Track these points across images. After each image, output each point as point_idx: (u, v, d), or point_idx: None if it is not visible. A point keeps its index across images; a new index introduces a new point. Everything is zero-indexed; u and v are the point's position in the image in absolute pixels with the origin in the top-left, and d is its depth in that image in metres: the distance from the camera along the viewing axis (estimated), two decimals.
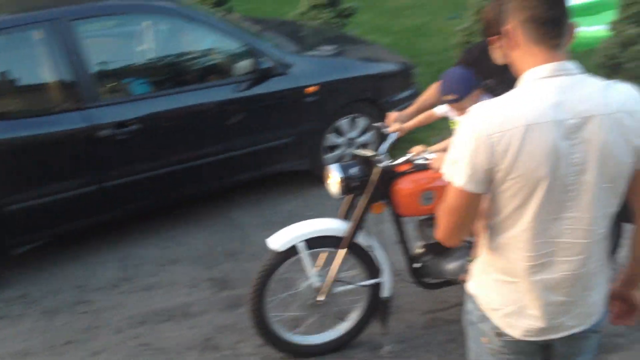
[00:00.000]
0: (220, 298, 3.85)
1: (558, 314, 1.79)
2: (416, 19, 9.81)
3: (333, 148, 5.10)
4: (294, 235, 3.11)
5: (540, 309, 1.78)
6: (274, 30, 5.53)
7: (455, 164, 1.73)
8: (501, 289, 1.83)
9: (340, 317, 3.41)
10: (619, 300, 1.96)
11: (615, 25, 7.01)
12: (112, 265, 4.21)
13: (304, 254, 3.10)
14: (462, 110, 3.06)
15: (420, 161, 3.02)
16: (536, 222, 1.69)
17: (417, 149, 3.06)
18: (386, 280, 3.26)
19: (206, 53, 4.80)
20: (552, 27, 1.68)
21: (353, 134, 5.11)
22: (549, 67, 1.67)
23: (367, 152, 3.19)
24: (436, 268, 3.34)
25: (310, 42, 5.66)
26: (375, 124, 3.53)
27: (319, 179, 5.07)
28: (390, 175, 3.11)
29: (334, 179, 3.14)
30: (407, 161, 3.09)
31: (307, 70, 4.84)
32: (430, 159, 2.98)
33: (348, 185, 3.10)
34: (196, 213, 4.79)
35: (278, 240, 3.11)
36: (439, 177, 3.02)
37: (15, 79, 4.20)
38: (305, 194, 5.04)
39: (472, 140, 1.67)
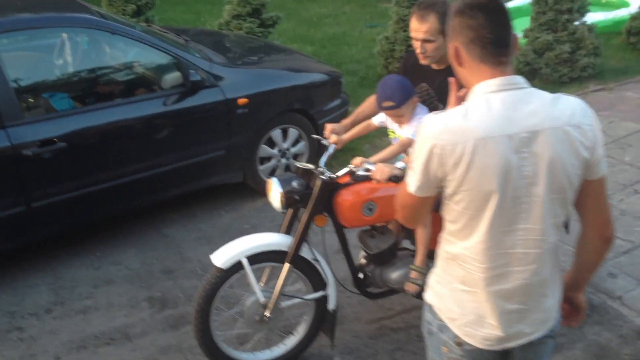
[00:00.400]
0: (162, 318, 3.76)
1: (515, 322, 1.85)
2: (336, 28, 9.95)
3: (266, 159, 5.08)
4: (237, 251, 3.08)
5: (498, 318, 1.84)
6: (198, 41, 5.46)
7: (411, 169, 1.79)
8: (460, 299, 1.88)
9: (288, 332, 3.39)
10: (565, 303, 2.05)
11: (529, 32, 7.35)
12: (43, 289, 4.03)
13: (249, 270, 3.07)
14: (399, 118, 3.14)
15: (362, 172, 3.04)
16: (490, 234, 1.75)
17: (357, 160, 3.08)
18: (331, 292, 3.27)
19: (132, 66, 4.70)
20: (497, 47, 1.74)
21: (285, 144, 5.11)
22: (497, 82, 1.73)
23: (308, 165, 3.20)
24: (380, 277, 3.38)
25: (237, 53, 5.62)
26: (315, 136, 3.54)
27: (253, 190, 5.06)
28: (332, 187, 3.12)
29: (275, 192, 3.12)
30: (348, 172, 3.11)
31: (237, 82, 4.80)
32: (371, 170, 3.00)
33: (290, 199, 3.09)
34: (127, 230, 4.66)
35: (222, 257, 3.07)
36: (380, 187, 3.08)
37: None
38: (239, 206, 5.01)
39: (425, 151, 1.72)
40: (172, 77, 4.51)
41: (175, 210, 4.92)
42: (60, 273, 4.19)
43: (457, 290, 1.87)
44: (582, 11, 7.18)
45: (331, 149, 3.33)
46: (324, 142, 3.37)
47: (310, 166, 3.18)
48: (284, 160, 5.14)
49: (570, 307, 2.08)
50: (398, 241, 3.41)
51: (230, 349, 3.28)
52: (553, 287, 1.88)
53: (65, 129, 4.09)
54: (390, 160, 3.10)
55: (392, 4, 7.62)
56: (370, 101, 3.43)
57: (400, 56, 7.16)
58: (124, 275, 4.16)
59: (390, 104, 3.06)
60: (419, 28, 2.94)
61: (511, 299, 1.82)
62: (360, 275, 3.40)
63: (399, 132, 3.20)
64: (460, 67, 1.80)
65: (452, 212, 1.79)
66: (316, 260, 3.21)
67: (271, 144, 5.06)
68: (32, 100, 4.20)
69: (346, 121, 3.43)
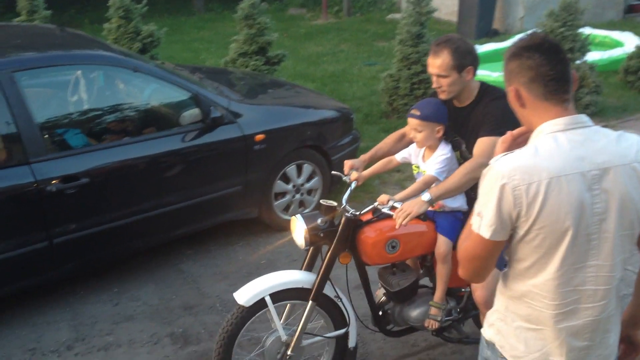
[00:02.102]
0: (185, 355, 3.74)
1: (581, 358, 1.87)
2: (335, 66, 10.09)
3: (280, 195, 5.11)
4: (261, 288, 3.08)
5: (565, 355, 1.85)
6: (210, 78, 5.53)
7: (480, 215, 1.80)
8: (525, 337, 1.88)
9: None
10: (622, 342, 2.06)
11: None
12: (62, 325, 4.00)
13: (272, 308, 3.07)
14: (422, 142, 3.14)
15: (386, 210, 3.03)
16: (562, 271, 1.77)
17: (383, 198, 3.07)
18: (352, 330, 3.26)
19: (153, 103, 4.75)
20: (559, 83, 1.80)
21: (300, 180, 5.15)
22: (564, 121, 1.78)
23: (332, 202, 3.17)
24: (399, 315, 3.36)
25: (251, 89, 5.69)
26: (334, 172, 3.56)
27: (265, 225, 5.08)
28: (355, 224, 3.12)
29: (299, 230, 3.12)
30: (371, 210, 3.10)
31: (254, 118, 4.86)
32: (397, 208, 2.98)
33: (314, 236, 3.09)
34: (143, 266, 4.65)
35: (245, 295, 3.07)
36: (402, 225, 3.04)
37: None
38: (253, 241, 5.02)
39: (497, 192, 1.74)
40: (191, 114, 4.55)
41: (189, 246, 4.92)
42: (78, 309, 4.16)
43: (522, 328, 1.88)
44: (583, 50, 7.37)
45: (352, 186, 3.32)
46: (345, 178, 3.36)
47: (334, 203, 3.15)
48: (298, 196, 5.18)
49: (627, 346, 2.10)
50: (418, 278, 3.41)
51: None
52: (615, 323, 1.91)
53: (87, 165, 4.11)
54: (413, 198, 3.09)
55: (393, 42, 7.77)
56: (391, 138, 3.47)
57: (404, 93, 7.28)
58: (144, 311, 4.14)
59: (416, 112, 3.09)
60: (433, 63, 3.04)
61: (579, 336, 1.84)
62: (380, 313, 3.39)
63: (423, 166, 3.23)
64: (522, 108, 1.85)
65: (521, 250, 1.81)
66: (338, 297, 3.21)
67: (286, 179, 5.10)
68: (55, 136, 4.22)
69: (365, 157, 3.44)
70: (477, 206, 1.81)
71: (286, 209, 5.17)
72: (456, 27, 11.97)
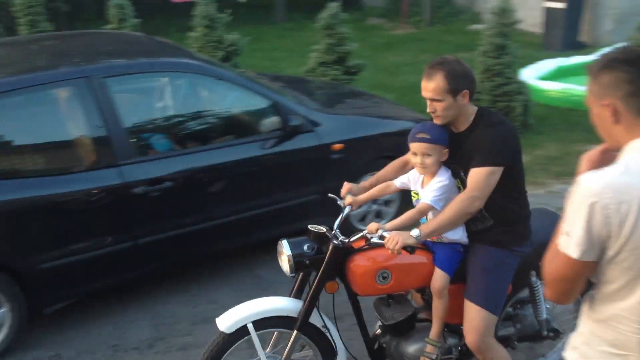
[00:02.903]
0: None
1: None
2: (414, 76, 9.99)
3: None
4: (243, 315, 2.98)
5: None
6: (290, 87, 5.61)
7: (568, 234, 1.74)
8: None
9: None
10: None
11: None
12: (144, 324, 4.14)
13: (254, 336, 2.97)
14: (431, 167, 2.96)
15: (375, 239, 2.87)
16: None
17: (372, 226, 2.90)
18: None
19: (234, 110, 4.86)
20: None
21: None
22: None
23: (321, 228, 3.04)
24: (396, 350, 3.20)
25: (330, 99, 5.73)
26: (331, 195, 3.33)
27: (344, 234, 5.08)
28: (345, 252, 2.98)
29: (284, 256, 3.00)
30: (362, 238, 2.97)
31: (332, 128, 4.90)
32: (386, 238, 2.81)
33: (299, 263, 2.96)
34: (223, 270, 4.75)
35: (227, 321, 2.98)
36: (395, 255, 2.89)
37: (50, 135, 4.20)
38: None
39: (586, 210, 1.68)
40: (271, 122, 4.63)
41: (266, 252, 4.98)
42: (159, 309, 4.29)
43: (607, 353, 1.81)
44: None
45: (346, 211, 3.18)
46: (339, 202, 3.23)
47: (323, 229, 3.02)
48: (375, 207, 5.17)
49: None
50: (417, 312, 3.23)
51: None
52: None
53: (171, 169, 4.25)
54: (407, 227, 2.88)
55: (474, 53, 7.66)
56: (393, 166, 3.31)
57: (486, 106, 7.15)
58: (221, 314, 4.21)
59: (425, 135, 2.92)
60: (426, 87, 2.87)
61: None
62: (376, 346, 3.25)
63: (422, 193, 3.05)
64: (616, 124, 1.79)
65: (610, 272, 1.74)
66: (326, 327, 3.08)
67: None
68: (142, 140, 4.38)
69: (365, 183, 3.30)
70: (565, 225, 1.76)
71: (362, 219, 5.17)
72: (541, 38, 11.69)
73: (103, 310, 4.30)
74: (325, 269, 2.96)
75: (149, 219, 4.18)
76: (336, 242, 2.94)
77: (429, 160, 2.94)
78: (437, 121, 2.94)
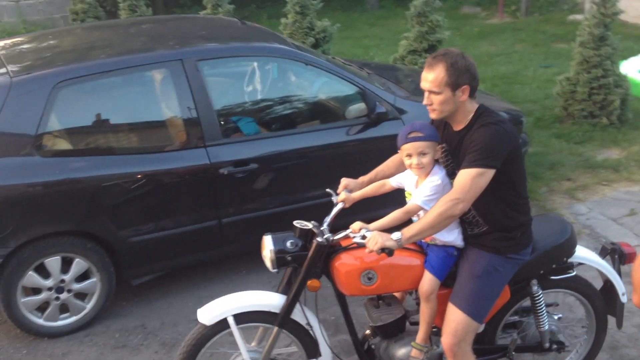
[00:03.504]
0: (336, 342, 3.82)
1: None
2: (508, 67, 9.75)
3: None
4: (224, 308, 2.94)
5: None
6: (378, 74, 5.57)
7: None
8: None
9: None
10: None
11: None
12: None
13: (235, 329, 2.92)
14: (419, 165, 2.83)
15: (358, 239, 2.76)
16: None
17: (355, 225, 2.81)
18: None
19: (321, 96, 4.88)
20: None
21: None
22: None
23: (307, 224, 2.95)
24: (385, 352, 3.13)
25: (417, 87, 5.64)
26: (328, 190, 3.24)
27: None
28: (331, 250, 2.91)
29: (266, 251, 2.93)
30: (346, 237, 2.86)
31: (419, 116, 4.78)
32: (367, 238, 2.70)
33: (281, 259, 2.89)
34: None
35: (207, 313, 2.95)
36: (382, 256, 2.74)
37: (143, 115, 4.36)
38: None
39: None
40: (357, 108, 4.63)
41: None
42: (240, 287, 4.34)
43: None
44: None
45: (338, 207, 3.10)
46: (333, 198, 3.15)
47: (309, 225, 2.94)
48: None
49: None
50: (408, 314, 3.15)
51: None
52: None
53: (257, 152, 4.33)
54: (393, 227, 2.76)
55: (572, 44, 7.36)
56: (394, 161, 3.19)
57: (582, 98, 6.89)
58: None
59: (418, 134, 2.81)
60: (425, 77, 2.77)
61: None
62: (365, 347, 3.20)
63: (414, 193, 2.92)
64: None
65: None
66: (309, 325, 3.01)
67: None
68: (229, 123, 4.48)
69: (364, 178, 3.19)
70: None
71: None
72: None
73: (187, 285, 4.45)
74: (307, 266, 2.88)
75: (233, 200, 4.28)
76: (320, 240, 2.84)
77: (425, 160, 2.83)
78: (432, 115, 2.83)
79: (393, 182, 3.13)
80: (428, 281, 2.91)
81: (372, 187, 3.15)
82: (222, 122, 4.39)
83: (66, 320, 4.08)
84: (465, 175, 2.66)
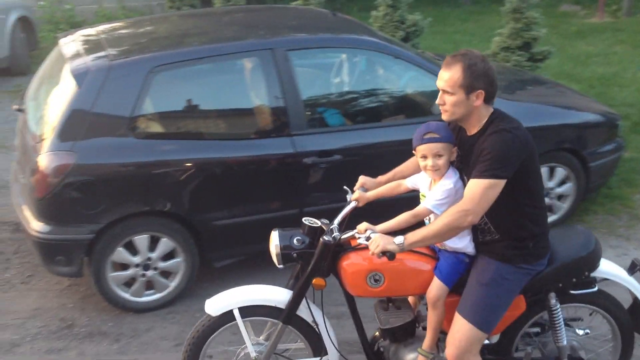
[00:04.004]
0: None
1: None
2: (606, 68, 9.35)
3: None
4: (231, 301, 2.95)
5: None
6: None
7: None
8: None
9: None
10: None
11: None
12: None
13: (240, 321, 2.93)
14: (434, 167, 2.76)
15: (362, 240, 2.72)
16: None
17: (362, 226, 2.77)
18: (332, 359, 3.04)
19: (408, 90, 4.84)
20: None
21: (551, 183, 4.90)
22: None
23: (315, 222, 2.91)
24: (394, 356, 3.06)
25: (508, 84, 5.53)
26: (345, 187, 3.20)
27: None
28: (340, 249, 2.86)
29: (272, 246, 2.90)
30: (352, 237, 2.82)
31: (509, 114, 4.70)
32: (370, 240, 2.67)
33: (286, 256, 2.86)
34: None
35: (214, 304, 2.97)
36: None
37: (231, 102, 4.46)
38: None
39: None
40: None
41: None
42: None
43: None
44: None
45: (351, 206, 3.04)
46: (348, 196, 3.10)
47: (318, 223, 2.90)
48: (547, 200, 4.93)
49: None
50: (419, 319, 3.07)
51: None
52: None
53: (341, 143, 4.34)
54: (401, 230, 2.72)
55: None
56: (413, 162, 3.08)
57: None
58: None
59: (434, 135, 2.72)
60: (441, 76, 2.67)
61: None
62: (374, 349, 3.14)
63: (427, 194, 2.84)
64: None
65: None
66: (315, 323, 2.98)
67: None
68: (315, 113, 4.51)
69: (382, 178, 3.12)
70: None
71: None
72: None
73: (266, 271, 4.49)
74: (314, 264, 2.85)
75: (315, 190, 4.31)
76: (327, 239, 2.80)
77: (441, 161, 2.75)
78: (444, 116, 2.73)
79: (409, 183, 3.06)
80: (436, 287, 2.84)
81: (388, 187, 3.09)
82: (309, 112, 4.42)
83: (151, 297, 4.23)
84: (476, 186, 2.58)
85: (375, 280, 2.84)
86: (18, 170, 4.50)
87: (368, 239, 2.70)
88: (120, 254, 4.08)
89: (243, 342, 3.05)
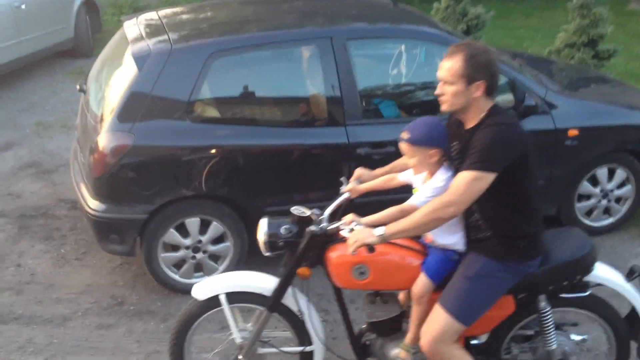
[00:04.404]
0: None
1: None
2: None
3: (584, 197, 4.78)
4: (217, 285, 2.98)
5: None
6: (530, 66, 5.33)
7: None
8: None
9: None
10: None
11: None
12: None
13: (226, 307, 2.95)
14: (416, 169, 2.81)
15: (346, 232, 2.69)
16: None
17: (348, 218, 2.75)
18: (317, 351, 3.05)
19: None
20: None
21: (610, 185, 4.75)
22: None
23: (304, 211, 2.89)
24: (381, 350, 3.04)
25: (572, 82, 5.37)
26: (342, 178, 3.19)
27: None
28: (326, 240, 2.84)
29: (260, 234, 2.90)
30: (337, 229, 2.78)
31: (570, 112, 4.58)
32: (352, 233, 2.66)
33: (273, 244, 2.86)
34: None
35: (201, 289, 2.99)
36: (376, 252, 2.69)
37: (287, 90, 4.47)
38: None
39: None
40: (504, 99, 4.46)
41: None
42: None
43: None
44: None
45: (343, 197, 3.03)
46: (342, 187, 3.09)
47: (307, 213, 2.88)
48: (604, 202, 4.79)
49: None
50: (406, 314, 3.01)
51: None
52: None
53: (395, 135, 4.25)
54: (387, 224, 2.67)
55: None
56: None
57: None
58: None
59: (405, 135, 2.74)
60: (442, 65, 2.65)
61: None
62: (361, 342, 3.13)
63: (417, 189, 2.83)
64: None
65: None
66: (302, 312, 2.98)
67: (594, 182, 4.74)
68: (369, 104, 4.48)
69: (379, 171, 3.11)
70: None
71: (588, 213, 4.82)
72: None
73: None
74: (299, 253, 2.85)
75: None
76: (314, 229, 2.80)
77: (412, 162, 2.78)
78: (443, 107, 2.70)
79: (401, 177, 3.04)
80: (421, 283, 2.82)
81: (381, 180, 3.08)
82: (364, 103, 4.39)
83: (199, 279, 4.28)
84: (461, 178, 2.56)
85: (361, 273, 2.83)
86: (78, 149, 4.62)
87: (352, 231, 2.71)
88: (172, 235, 4.14)
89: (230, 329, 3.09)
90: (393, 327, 3.01)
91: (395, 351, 3.01)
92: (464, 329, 2.78)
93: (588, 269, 2.90)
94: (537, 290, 2.89)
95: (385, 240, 2.63)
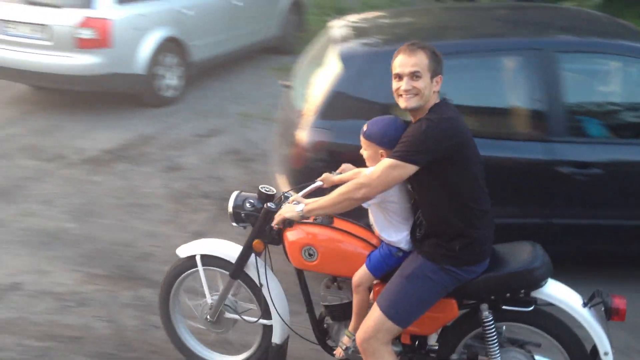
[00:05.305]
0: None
1: None
2: None
3: None
4: (197, 247, 3.26)
5: None
6: None
7: None
8: None
9: (244, 346, 3.46)
10: None
11: None
12: None
13: (200, 267, 3.21)
14: (368, 163, 2.88)
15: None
16: None
17: (294, 197, 3.01)
18: (276, 325, 3.18)
19: None
20: None
21: None
22: None
23: (271, 189, 3.13)
24: (337, 334, 3.14)
25: None
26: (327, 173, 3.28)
27: None
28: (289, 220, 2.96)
29: (228, 206, 3.13)
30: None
31: None
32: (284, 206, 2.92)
33: (237, 215, 3.12)
34: (615, 275, 4.36)
35: (184, 248, 3.29)
36: (323, 233, 2.95)
37: (486, 100, 4.36)
38: None
39: None
40: None
41: None
42: None
43: None
44: None
45: (314, 185, 3.14)
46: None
47: (273, 191, 3.12)
48: None
49: None
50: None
51: (187, 336, 3.47)
52: None
53: (601, 156, 4.04)
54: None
55: None
56: None
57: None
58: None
59: (364, 127, 2.86)
60: (406, 62, 2.64)
61: None
62: (322, 325, 3.22)
63: None
64: None
65: None
66: (260, 285, 3.11)
67: None
68: (575, 121, 4.24)
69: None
70: None
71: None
72: None
73: None
74: (255, 227, 3.05)
75: (566, 202, 4.07)
76: (270, 205, 2.98)
77: (365, 155, 2.90)
78: (412, 102, 2.67)
79: (367, 171, 2.92)
80: (361, 273, 2.89)
81: (352, 172, 3.14)
82: (569, 119, 4.17)
83: None
84: (380, 164, 2.66)
85: (309, 255, 2.98)
86: (278, 141, 4.86)
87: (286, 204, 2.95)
88: None
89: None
90: (345, 314, 3.08)
91: (345, 337, 3.11)
92: (397, 329, 2.80)
93: (535, 283, 2.80)
94: (479, 298, 2.83)
95: (304, 216, 2.83)
